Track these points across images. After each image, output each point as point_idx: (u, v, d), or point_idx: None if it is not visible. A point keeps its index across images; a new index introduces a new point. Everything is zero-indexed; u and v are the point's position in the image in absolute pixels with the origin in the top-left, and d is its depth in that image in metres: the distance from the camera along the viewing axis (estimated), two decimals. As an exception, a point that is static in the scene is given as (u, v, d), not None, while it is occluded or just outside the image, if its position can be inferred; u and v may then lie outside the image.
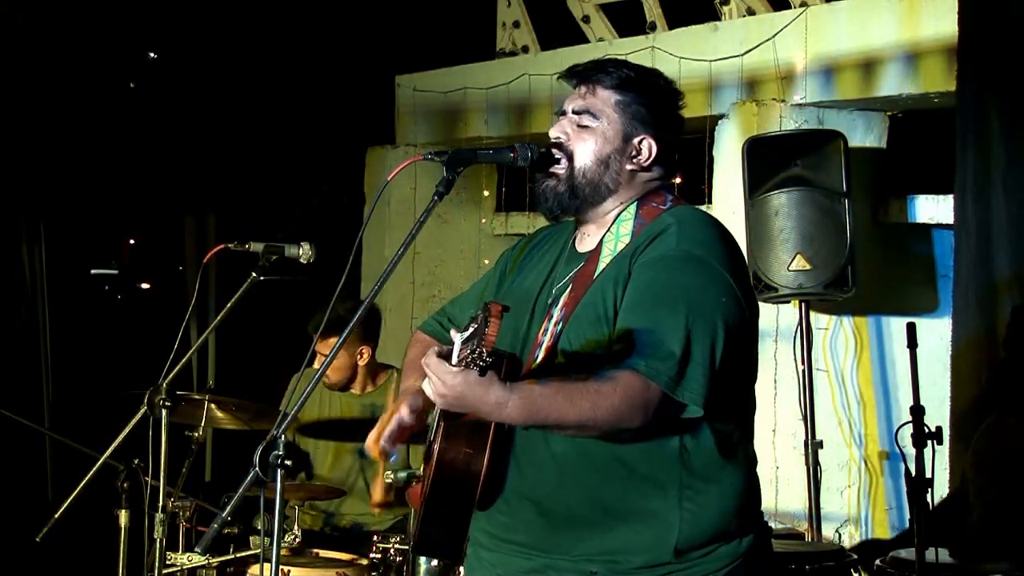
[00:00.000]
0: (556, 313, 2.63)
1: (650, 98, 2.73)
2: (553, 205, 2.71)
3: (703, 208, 5.53)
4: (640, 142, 2.71)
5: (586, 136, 2.70)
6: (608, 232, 2.70)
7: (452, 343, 2.52)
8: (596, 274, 2.64)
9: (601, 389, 2.37)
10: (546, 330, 2.63)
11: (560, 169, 2.70)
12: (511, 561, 2.68)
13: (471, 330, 2.40)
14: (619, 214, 2.71)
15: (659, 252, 2.57)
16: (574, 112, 2.73)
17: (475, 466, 2.52)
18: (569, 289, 2.66)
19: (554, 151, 2.71)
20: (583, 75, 2.75)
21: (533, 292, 2.74)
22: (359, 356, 5.10)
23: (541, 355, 2.60)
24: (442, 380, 2.33)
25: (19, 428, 5.13)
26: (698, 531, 2.58)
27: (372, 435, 2.71)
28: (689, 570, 2.58)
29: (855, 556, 4.37)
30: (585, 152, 2.70)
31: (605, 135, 2.70)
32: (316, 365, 4.88)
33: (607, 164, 2.70)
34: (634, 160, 2.71)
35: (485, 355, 2.28)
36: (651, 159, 2.72)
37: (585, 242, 2.76)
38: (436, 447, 2.52)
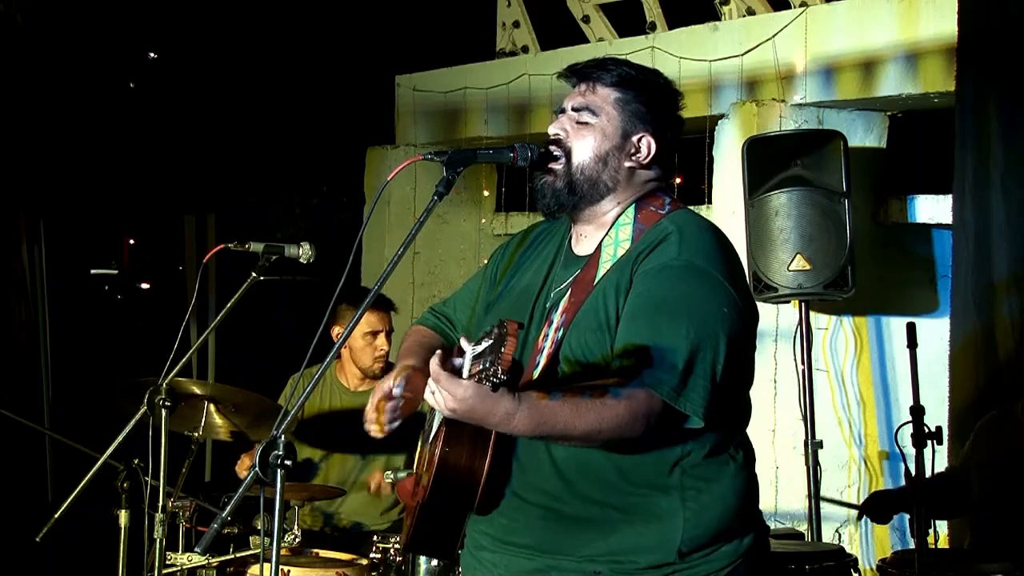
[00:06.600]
0: (556, 319, 2.63)
1: (650, 96, 2.73)
2: (551, 201, 2.70)
3: (703, 209, 5.59)
4: (639, 140, 2.71)
5: (585, 133, 2.69)
6: (606, 236, 2.69)
7: (457, 346, 2.51)
8: (596, 280, 2.63)
9: (606, 402, 2.38)
10: (547, 336, 2.62)
11: (558, 165, 2.69)
12: (513, 562, 2.68)
13: (484, 345, 2.37)
14: (617, 216, 2.70)
15: (661, 261, 2.56)
16: (573, 109, 2.72)
17: (477, 470, 2.52)
18: (569, 294, 2.65)
19: (552, 148, 2.70)
20: (583, 73, 2.75)
21: (531, 294, 2.73)
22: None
23: (543, 362, 2.59)
24: (452, 394, 2.33)
25: (19, 428, 5.13)
26: (701, 531, 2.58)
27: (368, 415, 2.67)
28: (692, 570, 2.58)
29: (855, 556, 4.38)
30: (584, 149, 2.69)
31: (604, 132, 2.69)
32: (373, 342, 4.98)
33: (606, 161, 2.69)
34: (633, 157, 2.71)
35: (500, 373, 2.27)
36: (650, 157, 2.72)
37: (582, 244, 2.75)
38: (438, 450, 2.51)
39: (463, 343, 2.52)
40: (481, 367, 2.33)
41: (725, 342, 2.50)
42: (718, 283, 2.55)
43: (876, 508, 4.41)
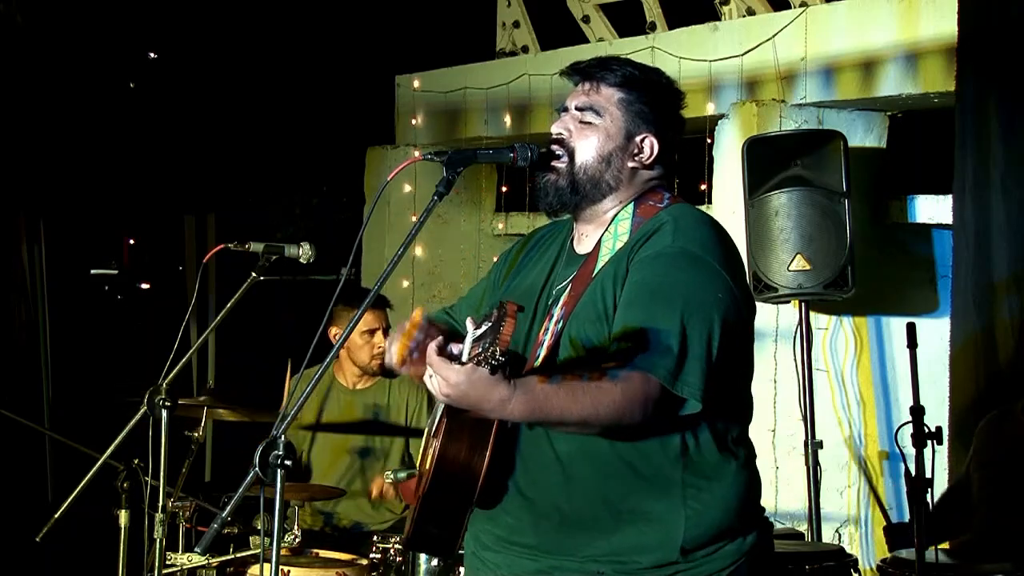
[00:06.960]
0: (556, 312, 2.64)
1: (653, 96, 2.73)
2: (553, 200, 2.70)
3: (702, 208, 5.58)
4: (642, 140, 2.71)
5: (588, 133, 2.70)
6: (606, 232, 2.70)
7: (461, 335, 2.51)
8: (595, 273, 2.64)
9: (602, 385, 2.37)
10: (547, 329, 2.63)
11: (561, 164, 2.69)
12: (516, 562, 2.68)
13: (484, 328, 2.39)
14: (617, 213, 2.71)
15: (655, 249, 2.57)
16: (577, 108, 2.72)
17: (476, 464, 2.52)
18: (569, 289, 2.66)
19: (555, 148, 2.70)
20: (586, 72, 2.74)
21: (534, 293, 2.74)
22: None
23: (543, 353, 2.60)
24: (445, 378, 2.33)
25: (19, 428, 5.13)
26: (703, 529, 2.58)
27: (395, 351, 2.61)
28: (695, 569, 2.58)
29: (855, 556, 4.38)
30: (587, 149, 2.69)
31: (608, 132, 2.69)
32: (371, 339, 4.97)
33: (609, 161, 2.69)
34: (636, 158, 2.71)
35: (498, 354, 2.27)
36: (653, 157, 2.72)
37: (583, 243, 2.76)
38: (437, 443, 2.52)
39: (468, 323, 2.52)
40: (480, 349, 2.34)
41: (720, 326, 2.50)
42: (713, 270, 2.56)
43: (890, 539, 4.41)
